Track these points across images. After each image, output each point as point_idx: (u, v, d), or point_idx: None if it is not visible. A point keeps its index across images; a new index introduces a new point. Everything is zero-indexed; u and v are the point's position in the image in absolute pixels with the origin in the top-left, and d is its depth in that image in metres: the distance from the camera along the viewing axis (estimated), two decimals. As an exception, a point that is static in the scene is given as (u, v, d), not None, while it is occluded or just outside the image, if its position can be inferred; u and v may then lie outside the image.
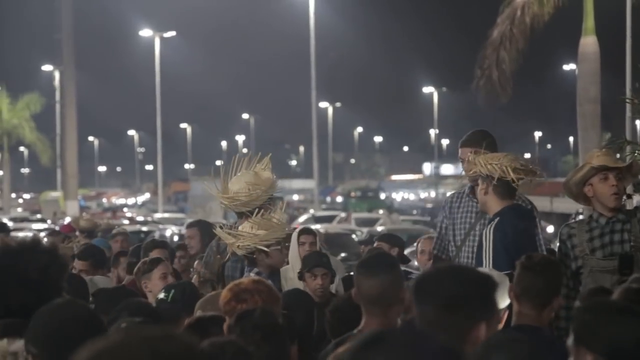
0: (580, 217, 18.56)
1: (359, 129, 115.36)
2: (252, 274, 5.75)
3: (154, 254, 7.37)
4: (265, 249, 5.87)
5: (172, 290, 5.19)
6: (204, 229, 8.64)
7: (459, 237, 6.28)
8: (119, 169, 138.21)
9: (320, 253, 6.78)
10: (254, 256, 5.90)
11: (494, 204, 5.63)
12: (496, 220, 5.51)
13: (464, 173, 6.08)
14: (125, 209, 63.32)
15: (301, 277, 6.45)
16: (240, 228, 5.99)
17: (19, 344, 3.22)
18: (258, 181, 6.31)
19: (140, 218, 40.53)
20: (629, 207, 5.96)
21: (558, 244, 5.90)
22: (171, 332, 1.85)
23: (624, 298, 3.66)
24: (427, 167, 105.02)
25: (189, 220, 11.68)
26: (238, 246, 5.93)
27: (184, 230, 23.67)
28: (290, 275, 6.74)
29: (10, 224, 26.12)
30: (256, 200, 6.25)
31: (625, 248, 5.57)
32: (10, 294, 3.35)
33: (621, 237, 5.62)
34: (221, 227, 6.15)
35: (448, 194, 6.71)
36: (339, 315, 4.62)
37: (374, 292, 3.85)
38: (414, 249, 9.45)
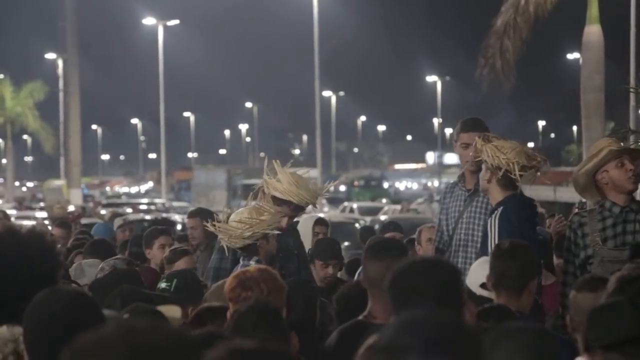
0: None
1: (362, 118, 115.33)
2: (253, 262, 5.70)
3: (159, 241, 7.42)
4: (275, 232, 5.87)
5: (175, 279, 5.20)
6: (205, 218, 8.57)
7: (451, 226, 6.27)
8: (122, 157, 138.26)
9: (334, 241, 6.86)
10: (257, 243, 5.83)
11: (497, 194, 5.64)
12: (500, 209, 5.52)
13: (460, 157, 6.13)
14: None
15: (311, 260, 6.51)
16: (234, 217, 5.83)
17: (19, 330, 3.23)
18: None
19: (143, 207, 40.48)
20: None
21: (567, 232, 5.88)
22: (159, 324, 1.84)
23: (617, 286, 3.65)
24: (431, 156, 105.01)
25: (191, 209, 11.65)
26: (242, 237, 5.75)
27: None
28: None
29: (13, 212, 26.15)
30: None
31: (638, 239, 5.51)
32: (8, 280, 3.35)
33: (634, 227, 5.57)
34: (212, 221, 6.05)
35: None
36: (346, 302, 4.64)
37: (380, 276, 3.85)
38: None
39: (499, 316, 3.65)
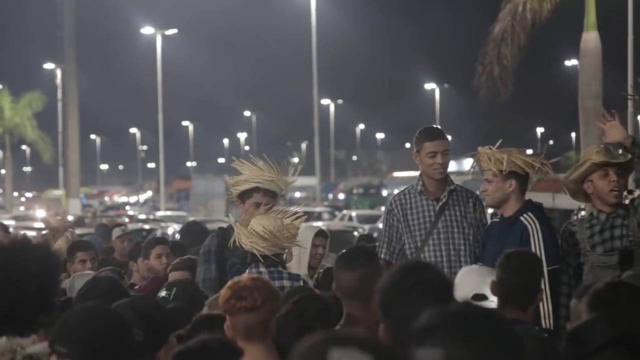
0: (583, 212, 18.54)
1: (361, 126, 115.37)
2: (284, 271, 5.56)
3: (156, 251, 7.42)
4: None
5: (174, 288, 5.18)
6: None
7: (418, 237, 6.05)
8: (121, 167, 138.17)
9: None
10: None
11: (516, 201, 5.59)
12: (531, 215, 5.46)
13: (426, 167, 5.99)
14: (127, 207, 63.36)
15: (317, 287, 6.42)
16: (260, 224, 5.51)
17: (19, 341, 3.21)
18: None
19: (142, 216, 40.47)
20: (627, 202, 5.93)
21: (560, 243, 5.86)
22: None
23: (591, 304, 3.56)
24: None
25: (191, 219, 11.65)
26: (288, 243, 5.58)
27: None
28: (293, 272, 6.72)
29: (12, 222, 26.12)
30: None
31: (625, 243, 5.52)
32: (11, 290, 3.35)
33: (621, 232, 5.58)
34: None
35: (394, 194, 6.43)
36: None
37: (353, 285, 3.87)
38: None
39: None
